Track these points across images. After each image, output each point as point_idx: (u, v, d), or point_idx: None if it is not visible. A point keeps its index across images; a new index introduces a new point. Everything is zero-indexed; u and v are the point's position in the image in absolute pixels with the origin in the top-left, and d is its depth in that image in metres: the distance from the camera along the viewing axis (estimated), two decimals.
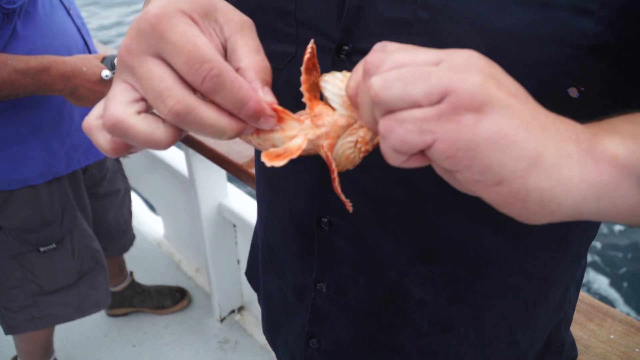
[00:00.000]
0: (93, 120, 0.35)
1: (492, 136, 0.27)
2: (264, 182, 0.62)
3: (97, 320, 1.91)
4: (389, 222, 0.49)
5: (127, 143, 0.34)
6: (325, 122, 0.35)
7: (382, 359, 0.58)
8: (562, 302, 0.59)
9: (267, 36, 0.49)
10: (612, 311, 0.91)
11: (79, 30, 1.26)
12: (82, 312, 1.46)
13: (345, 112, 0.35)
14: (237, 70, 0.34)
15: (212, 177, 1.69)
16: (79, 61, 1.11)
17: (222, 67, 0.31)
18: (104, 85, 1.13)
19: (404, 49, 0.30)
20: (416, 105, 0.28)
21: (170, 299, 1.95)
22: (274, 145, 0.35)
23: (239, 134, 0.33)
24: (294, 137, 0.35)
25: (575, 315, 0.88)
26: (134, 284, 1.91)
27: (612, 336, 0.86)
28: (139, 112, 0.32)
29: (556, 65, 0.38)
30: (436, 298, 0.52)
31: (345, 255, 0.53)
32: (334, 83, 0.36)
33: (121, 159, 1.64)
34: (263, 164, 0.61)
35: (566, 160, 0.29)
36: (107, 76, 1.13)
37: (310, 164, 0.51)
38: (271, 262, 0.65)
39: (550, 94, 0.39)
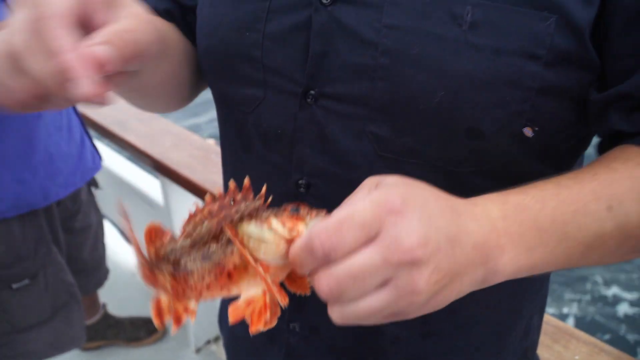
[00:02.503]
0: None
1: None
2: None
3: (69, 353, 1.86)
4: None
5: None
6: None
7: None
8: (527, 330, 0.61)
9: (236, 81, 0.51)
10: (577, 333, 0.94)
11: None
12: (57, 349, 1.42)
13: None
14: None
15: (188, 206, 1.68)
16: None
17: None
18: None
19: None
20: None
21: (145, 330, 1.91)
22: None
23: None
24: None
25: (542, 337, 0.90)
26: (106, 316, 1.88)
27: (577, 357, 0.89)
28: None
29: (510, 106, 0.41)
30: (410, 334, 0.53)
31: (317, 294, 0.54)
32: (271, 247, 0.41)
33: (94, 190, 1.62)
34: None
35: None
36: None
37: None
38: None
39: (508, 133, 0.42)
